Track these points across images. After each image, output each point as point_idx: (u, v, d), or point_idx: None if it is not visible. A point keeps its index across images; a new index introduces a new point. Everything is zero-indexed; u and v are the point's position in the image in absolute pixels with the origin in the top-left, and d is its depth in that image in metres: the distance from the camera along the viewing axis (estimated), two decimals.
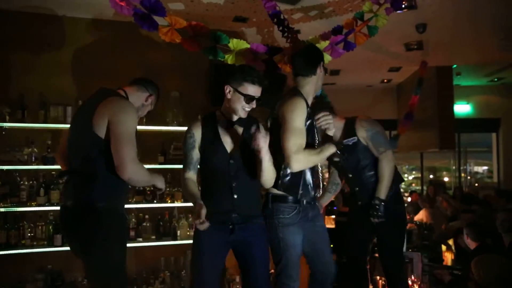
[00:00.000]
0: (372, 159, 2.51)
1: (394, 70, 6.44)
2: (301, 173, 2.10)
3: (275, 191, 2.10)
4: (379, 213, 2.41)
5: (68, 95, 3.39)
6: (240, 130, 2.04)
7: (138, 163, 1.85)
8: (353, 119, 2.54)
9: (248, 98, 1.94)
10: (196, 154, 2.02)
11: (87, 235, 1.82)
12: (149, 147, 3.43)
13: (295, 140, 1.97)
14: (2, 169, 3.15)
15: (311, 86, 2.17)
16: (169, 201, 3.50)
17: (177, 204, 3.49)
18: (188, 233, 3.46)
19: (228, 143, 2.01)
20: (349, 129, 2.50)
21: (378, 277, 3.20)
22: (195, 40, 2.43)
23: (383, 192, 2.43)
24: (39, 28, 3.48)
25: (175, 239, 3.43)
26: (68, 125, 3.13)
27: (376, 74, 7.00)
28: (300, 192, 2.10)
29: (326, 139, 2.33)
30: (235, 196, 1.97)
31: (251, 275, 2.01)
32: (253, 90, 1.94)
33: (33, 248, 3.15)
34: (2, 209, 3.08)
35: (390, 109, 8.04)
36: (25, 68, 3.40)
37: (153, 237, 3.48)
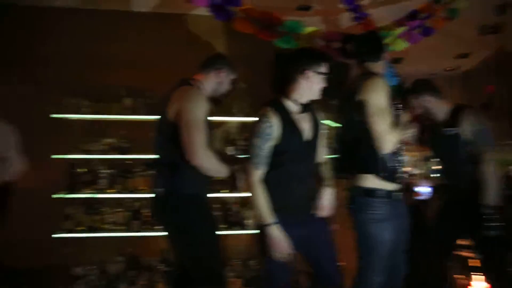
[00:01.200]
0: (470, 155, 2.36)
1: (463, 56, 6.05)
2: (394, 164, 2.03)
3: (367, 183, 2.01)
4: (495, 224, 2.21)
5: (138, 88, 3.52)
6: (310, 115, 2.02)
7: (207, 150, 1.90)
8: (461, 107, 2.43)
9: (327, 77, 1.94)
10: (271, 146, 1.91)
11: (176, 221, 1.93)
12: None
13: (386, 121, 1.91)
14: (84, 158, 3.36)
15: (381, 71, 2.11)
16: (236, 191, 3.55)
17: (245, 194, 3.53)
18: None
19: (305, 130, 1.98)
20: (454, 117, 2.39)
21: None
22: (269, 29, 2.43)
23: (492, 197, 2.24)
24: (112, 23, 3.63)
25: (243, 229, 3.50)
26: (139, 116, 3.28)
27: (441, 61, 6.61)
28: (392, 184, 2.01)
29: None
30: (311, 186, 1.97)
31: (322, 268, 2.01)
32: (327, 68, 1.96)
33: (113, 232, 3.35)
34: (85, 196, 3.30)
35: (454, 99, 7.59)
36: (101, 63, 3.56)
37: (223, 226, 3.55)
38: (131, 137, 3.41)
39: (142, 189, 3.36)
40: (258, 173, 1.89)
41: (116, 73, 3.56)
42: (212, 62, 2.16)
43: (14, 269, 2.99)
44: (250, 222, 3.49)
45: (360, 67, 2.15)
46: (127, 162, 3.43)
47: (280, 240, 1.80)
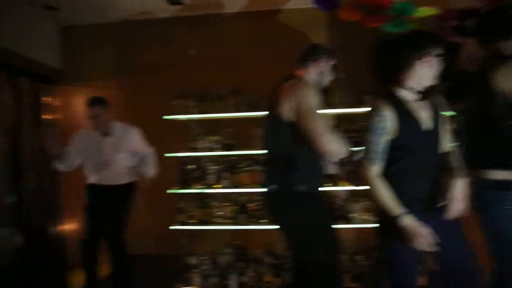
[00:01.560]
0: None
1: None
2: None
3: (498, 175, 1.78)
4: None
5: (240, 86, 3.59)
6: (429, 102, 1.84)
7: (331, 133, 1.86)
8: None
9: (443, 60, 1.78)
10: (387, 141, 1.78)
11: (292, 217, 1.93)
12: None
13: None
14: (194, 156, 3.56)
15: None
16: (342, 184, 3.44)
17: (350, 187, 3.40)
18: (361, 217, 3.37)
19: (424, 119, 1.81)
20: None
21: None
22: (376, 14, 2.26)
23: None
24: (208, 27, 3.78)
25: (349, 223, 3.38)
26: (242, 113, 3.32)
27: None
28: None
29: None
30: (435, 178, 1.80)
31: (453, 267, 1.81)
32: (443, 51, 1.78)
33: (222, 226, 3.50)
34: (196, 190, 3.51)
35: None
36: (204, 66, 3.73)
37: None
38: (235, 134, 3.52)
39: (247, 184, 3.45)
40: (375, 169, 1.78)
41: (218, 73, 3.70)
42: (309, 54, 2.14)
43: (136, 256, 3.32)
44: (355, 216, 3.37)
45: (487, 48, 1.88)
46: (232, 158, 3.55)
47: (418, 228, 1.67)
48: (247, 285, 3.40)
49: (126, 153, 3.16)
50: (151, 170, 3.27)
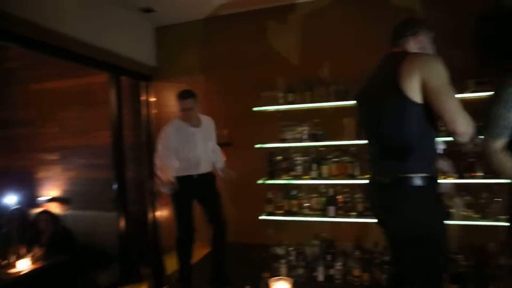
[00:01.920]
0: None
1: None
2: None
3: None
4: None
5: (330, 75, 3.54)
6: None
7: (466, 113, 1.65)
8: None
9: None
10: None
11: (401, 210, 1.75)
12: None
13: None
14: (281, 147, 3.58)
15: None
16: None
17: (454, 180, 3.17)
18: (462, 212, 3.12)
19: None
20: None
21: None
22: None
23: None
24: (301, 15, 3.76)
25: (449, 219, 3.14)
26: (332, 103, 3.23)
27: None
28: None
29: None
30: None
31: None
32: None
33: (309, 217, 3.48)
34: (284, 181, 3.53)
35: None
36: (291, 56, 3.74)
37: None
38: (324, 124, 3.47)
39: (336, 176, 3.39)
40: (498, 143, 1.69)
41: (306, 63, 3.68)
42: (406, 28, 1.91)
43: (230, 243, 3.42)
44: (456, 211, 3.13)
45: None
46: (320, 149, 3.51)
47: None
48: (334, 278, 3.35)
49: (211, 143, 3.27)
50: (221, 160, 3.37)
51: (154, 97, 4.31)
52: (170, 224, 4.29)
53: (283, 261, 3.47)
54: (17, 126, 5.47)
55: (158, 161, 3.13)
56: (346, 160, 3.38)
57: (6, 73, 5.47)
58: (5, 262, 3.66)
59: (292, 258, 3.51)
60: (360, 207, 3.36)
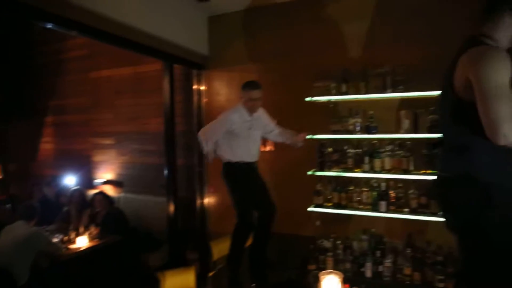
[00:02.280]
0: None
1: None
2: None
3: None
4: None
5: (385, 64, 3.35)
6: None
7: None
8: None
9: None
10: None
11: (463, 211, 1.65)
12: None
13: None
14: (333, 138, 3.50)
15: None
16: None
17: None
18: None
19: None
20: None
21: None
22: None
23: None
24: (341, 4, 3.65)
25: None
26: (388, 94, 3.11)
27: None
28: None
29: None
30: None
31: None
32: None
33: (359, 211, 3.38)
34: (334, 174, 3.46)
35: None
36: (346, 45, 3.64)
37: None
38: (378, 116, 3.35)
39: (389, 170, 3.27)
40: None
41: (360, 52, 3.55)
42: (497, 2, 1.66)
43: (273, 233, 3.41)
44: None
45: None
46: (373, 141, 3.40)
47: None
48: (383, 275, 3.26)
49: (260, 132, 3.28)
50: (291, 136, 3.36)
51: (205, 86, 4.36)
52: (217, 211, 4.39)
53: (330, 254, 3.42)
54: (76, 112, 5.80)
55: (203, 136, 3.19)
56: (400, 154, 3.25)
57: (67, 63, 5.80)
58: (66, 238, 3.91)
59: (339, 252, 3.45)
60: (413, 203, 3.22)
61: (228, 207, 3.32)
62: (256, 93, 3.07)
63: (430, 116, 3.09)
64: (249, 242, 3.28)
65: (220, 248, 3.38)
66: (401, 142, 3.27)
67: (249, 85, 3.09)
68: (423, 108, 3.13)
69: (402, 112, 3.22)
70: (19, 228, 3.39)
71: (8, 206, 5.02)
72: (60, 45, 5.81)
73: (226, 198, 3.30)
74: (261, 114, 3.26)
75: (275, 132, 3.37)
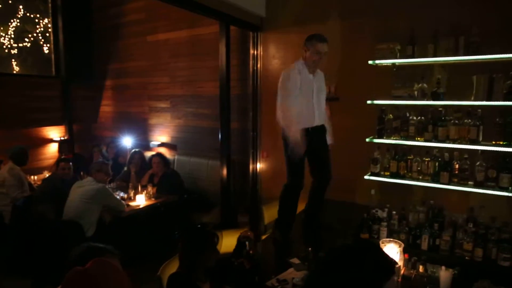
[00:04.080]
0: None
1: None
2: None
3: None
4: None
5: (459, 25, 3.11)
6: None
7: None
8: None
9: None
10: None
11: None
12: None
13: None
14: (394, 104, 3.33)
15: None
16: None
17: None
18: None
19: None
20: None
21: None
22: None
23: None
24: None
25: None
26: (460, 57, 2.83)
27: None
28: None
29: None
30: None
31: None
32: None
33: (418, 181, 3.24)
34: (393, 141, 3.31)
35: None
36: (408, 4, 3.38)
37: None
38: (447, 81, 3.12)
39: (455, 139, 3.07)
40: None
41: (428, 12, 3.28)
42: None
43: (327, 200, 3.37)
44: None
45: None
46: (439, 109, 3.19)
47: None
48: (440, 249, 3.12)
49: (323, 95, 3.12)
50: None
51: (261, 49, 4.28)
52: (269, 176, 4.40)
53: (384, 224, 3.33)
54: (134, 76, 5.97)
55: (282, 113, 2.89)
56: (469, 123, 3.02)
57: (125, 27, 5.93)
58: (126, 196, 4.14)
59: (394, 222, 3.34)
60: (480, 176, 3.02)
61: (280, 172, 3.29)
62: (323, 46, 2.85)
63: (509, 82, 2.82)
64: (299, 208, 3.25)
65: (271, 213, 3.40)
66: (471, 110, 3.04)
67: (315, 37, 2.86)
68: (500, 72, 2.86)
69: (475, 77, 2.96)
70: (88, 184, 3.62)
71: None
72: (119, 9, 5.94)
73: (279, 163, 3.28)
74: (322, 75, 3.10)
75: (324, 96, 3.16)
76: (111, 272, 1.21)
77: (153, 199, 4.22)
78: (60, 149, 5.91)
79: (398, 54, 3.24)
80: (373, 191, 3.55)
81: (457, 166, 3.11)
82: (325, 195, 3.19)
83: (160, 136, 5.70)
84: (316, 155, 3.13)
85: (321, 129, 3.13)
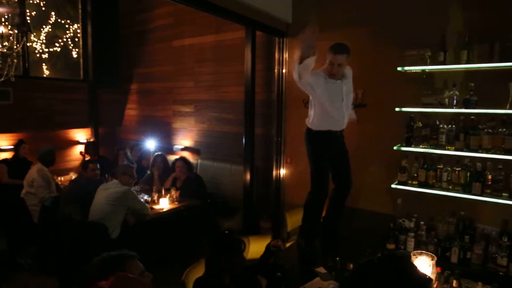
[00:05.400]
0: None
1: None
2: None
3: None
4: None
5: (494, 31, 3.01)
6: None
7: None
8: None
9: None
10: None
11: None
12: None
13: None
14: (424, 112, 3.24)
15: None
16: None
17: None
18: None
19: None
20: None
21: None
22: None
23: None
24: None
25: None
26: (494, 64, 2.74)
27: None
28: None
29: None
30: None
31: None
32: None
33: (448, 192, 3.14)
34: (422, 150, 3.22)
35: None
36: (439, 9, 3.29)
37: None
38: (480, 89, 3.01)
39: (488, 149, 2.96)
40: None
41: (464, 16, 3.18)
42: None
43: (353, 209, 3.31)
44: None
45: None
46: (471, 117, 3.08)
47: None
48: (471, 263, 3.00)
49: (351, 96, 3.07)
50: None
51: (287, 54, 4.26)
52: (293, 182, 4.36)
53: (411, 234, 3.23)
54: (159, 80, 6.06)
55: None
56: (503, 132, 2.91)
57: (152, 32, 6.03)
58: (150, 199, 4.17)
59: (422, 233, 3.24)
60: None
61: (303, 179, 3.26)
62: (336, 58, 2.80)
63: None
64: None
65: (294, 219, 3.36)
66: (506, 118, 2.93)
67: (332, 47, 2.84)
68: None
69: (511, 84, 2.86)
70: (113, 186, 3.67)
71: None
72: (146, 16, 6.05)
73: (302, 170, 3.24)
74: (350, 75, 3.03)
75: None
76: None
77: (176, 202, 4.23)
78: (86, 151, 6.02)
79: (428, 61, 3.16)
80: (399, 201, 3.46)
81: (490, 176, 3.00)
82: (345, 202, 3.13)
83: (184, 140, 5.74)
84: (337, 161, 3.10)
85: (343, 134, 3.11)
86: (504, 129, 2.91)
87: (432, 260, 2.03)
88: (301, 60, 2.65)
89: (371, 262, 1.10)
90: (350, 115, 3.14)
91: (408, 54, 3.23)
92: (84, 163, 4.51)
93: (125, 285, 1.22)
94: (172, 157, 5.23)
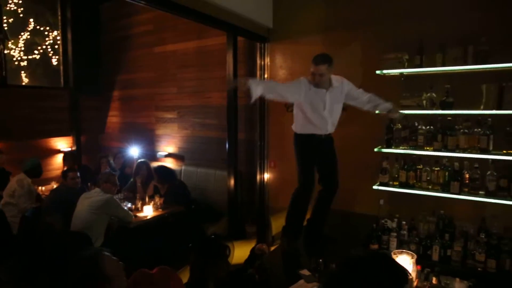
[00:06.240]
0: None
1: None
2: None
3: None
4: None
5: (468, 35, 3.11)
6: None
7: None
8: None
9: None
10: None
11: None
12: None
13: None
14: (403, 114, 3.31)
15: None
16: None
17: None
18: None
19: None
20: None
21: None
22: None
23: None
24: None
25: None
26: (468, 67, 2.82)
27: None
28: None
29: None
30: None
31: None
32: None
33: (428, 191, 3.21)
34: (402, 151, 3.29)
35: None
36: (419, 14, 3.38)
37: None
38: (456, 90, 3.10)
39: (465, 148, 3.04)
40: None
41: (436, 22, 3.29)
42: None
43: (335, 210, 3.34)
44: None
45: None
46: (448, 118, 3.17)
47: None
48: (451, 260, 3.07)
49: (340, 105, 3.13)
50: (383, 103, 3.15)
51: (269, 59, 4.30)
52: (277, 186, 4.39)
53: (394, 234, 3.29)
54: (141, 87, 6.02)
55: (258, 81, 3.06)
56: (478, 132, 3.00)
57: (133, 38, 6.00)
58: (133, 206, 4.13)
59: (404, 232, 3.30)
60: (492, 185, 2.99)
61: (288, 182, 3.29)
62: (317, 68, 2.89)
63: None
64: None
65: (279, 223, 3.37)
66: (481, 119, 3.02)
67: (314, 58, 2.94)
68: (510, 81, 2.85)
69: (484, 86, 2.95)
70: (96, 195, 3.63)
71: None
72: (127, 22, 6.01)
73: (286, 174, 3.27)
74: (340, 84, 3.08)
75: (362, 100, 3.15)
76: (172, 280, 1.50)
77: (160, 209, 4.20)
78: (64, 161, 5.87)
79: (406, 64, 3.25)
80: (381, 201, 3.51)
81: (467, 175, 3.09)
82: (331, 204, 3.17)
83: (167, 147, 5.71)
84: (324, 163, 3.14)
85: (330, 138, 3.15)
86: (479, 129, 3.00)
87: (412, 258, 2.08)
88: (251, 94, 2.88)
89: (356, 256, 1.14)
90: (385, 107, 3.12)
91: (386, 57, 3.31)
92: (63, 172, 4.44)
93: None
94: (156, 164, 5.19)
